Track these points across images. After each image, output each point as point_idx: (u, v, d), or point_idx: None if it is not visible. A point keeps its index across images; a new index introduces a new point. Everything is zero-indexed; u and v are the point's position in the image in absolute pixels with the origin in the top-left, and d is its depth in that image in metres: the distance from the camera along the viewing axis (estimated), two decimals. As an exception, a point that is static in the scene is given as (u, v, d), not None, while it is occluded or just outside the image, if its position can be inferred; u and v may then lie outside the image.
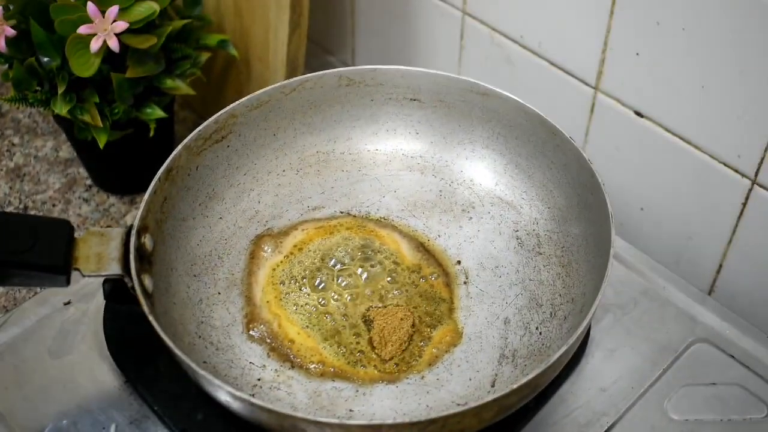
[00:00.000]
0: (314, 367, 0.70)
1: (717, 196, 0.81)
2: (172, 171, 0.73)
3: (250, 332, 0.72)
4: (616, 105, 0.84)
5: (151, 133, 0.92)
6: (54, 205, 1.03)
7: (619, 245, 0.83)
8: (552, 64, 0.87)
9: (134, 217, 0.69)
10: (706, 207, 0.83)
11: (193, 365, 0.60)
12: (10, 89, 0.93)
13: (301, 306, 0.74)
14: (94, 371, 0.74)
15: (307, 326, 0.72)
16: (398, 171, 0.83)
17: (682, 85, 0.78)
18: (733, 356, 0.75)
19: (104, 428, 0.70)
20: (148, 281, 0.67)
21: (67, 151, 1.09)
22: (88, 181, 1.05)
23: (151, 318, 0.62)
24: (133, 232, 0.67)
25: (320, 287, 0.75)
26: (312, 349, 0.71)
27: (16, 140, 1.11)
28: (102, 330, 0.75)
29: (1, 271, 0.65)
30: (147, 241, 0.69)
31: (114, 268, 0.66)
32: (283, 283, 0.75)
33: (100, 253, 0.67)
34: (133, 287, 0.65)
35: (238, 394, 0.59)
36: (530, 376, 0.59)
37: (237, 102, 0.78)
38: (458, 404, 0.66)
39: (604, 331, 0.76)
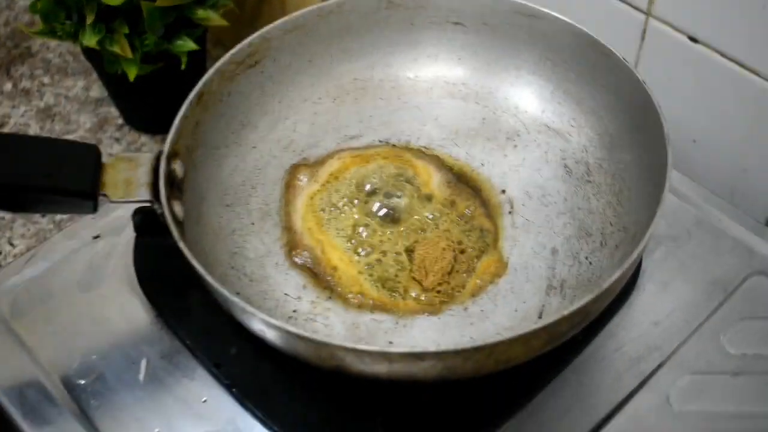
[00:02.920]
0: (353, 298, 0.67)
1: (774, 124, 0.77)
2: (203, 96, 0.70)
3: (294, 258, 0.69)
4: (669, 30, 0.80)
5: (183, 66, 0.90)
6: (85, 145, 1.01)
7: (672, 176, 0.78)
8: (601, -13, 0.83)
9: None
10: (763, 137, 0.79)
11: (226, 293, 0.57)
12: (39, 23, 0.91)
13: (342, 231, 0.71)
14: (125, 306, 0.72)
15: (350, 252, 0.69)
16: (440, 99, 0.80)
17: (739, 5, 0.73)
18: (792, 290, 0.71)
19: (135, 363, 0.68)
20: (178, 209, 0.64)
21: (97, 90, 1.07)
22: (120, 121, 1.03)
23: (182, 245, 0.59)
24: (163, 157, 0.64)
25: (359, 215, 0.72)
26: (353, 278, 0.68)
27: (46, 80, 1.10)
28: (132, 264, 0.73)
29: (28, 195, 0.62)
30: (177, 167, 0.66)
31: (143, 194, 0.63)
32: (323, 210, 0.72)
33: (128, 179, 0.64)
34: (162, 214, 0.62)
35: (273, 321, 0.56)
36: (582, 303, 0.56)
37: (271, 25, 0.75)
38: (503, 335, 0.63)
39: (657, 264, 0.73)
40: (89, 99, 1.07)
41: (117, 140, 1.02)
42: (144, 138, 1.01)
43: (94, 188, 0.63)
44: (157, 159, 0.65)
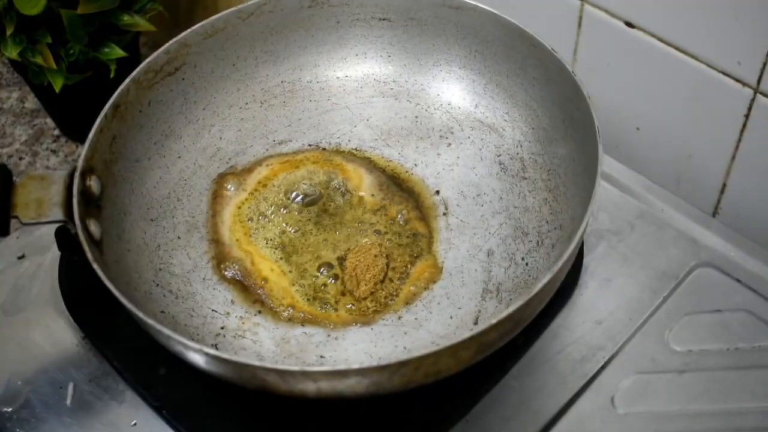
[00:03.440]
0: (284, 311, 0.64)
1: (717, 109, 0.75)
2: (120, 107, 0.67)
3: (223, 272, 0.67)
4: (605, 17, 0.78)
5: (112, 74, 0.87)
6: (21, 158, 0.98)
7: (613, 167, 0.77)
8: (533, -25, 0.81)
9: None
10: (706, 122, 0.77)
11: (142, 315, 0.55)
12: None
13: (272, 241, 0.68)
14: (51, 328, 0.69)
15: (280, 263, 0.67)
16: (370, 98, 0.77)
17: (675, -12, 0.72)
18: (739, 280, 0.69)
19: (62, 387, 0.66)
20: (94, 227, 0.62)
21: (33, 101, 1.04)
22: (56, 131, 1.00)
23: (95, 266, 0.57)
24: (77, 174, 0.62)
25: (288, 223, 0.69)
26: (284, 289, 0.65)
27: (-21, 92, 1.06)
28: (58, 284, 0.70)
29: (-69, 221, 0.59)
30: (93, 183, 0.63)
31: (56, 214, 0.61)
32: (251, 219, 0.70)
33: (40, 199, 0.61)
34: (77, 234, 0.59)
35: (190, 344, 0.53)
36: (510, 310, 0.53)
37: (189, 30, 0.72)
38: (438, 344, 0.61)
39: (599, 260, 0.70)
40: (24, 110, 1.04)
41: (53, 152, 0.99)
42: (82, 149, 0.98)
43: (4, 210, 0.60)
44: (71, 176, 0.62)
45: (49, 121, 1.01)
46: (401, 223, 0.69)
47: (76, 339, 0.68)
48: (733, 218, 0.79)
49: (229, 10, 0.73)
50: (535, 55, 0.70)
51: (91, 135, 0.64)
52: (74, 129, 0.99)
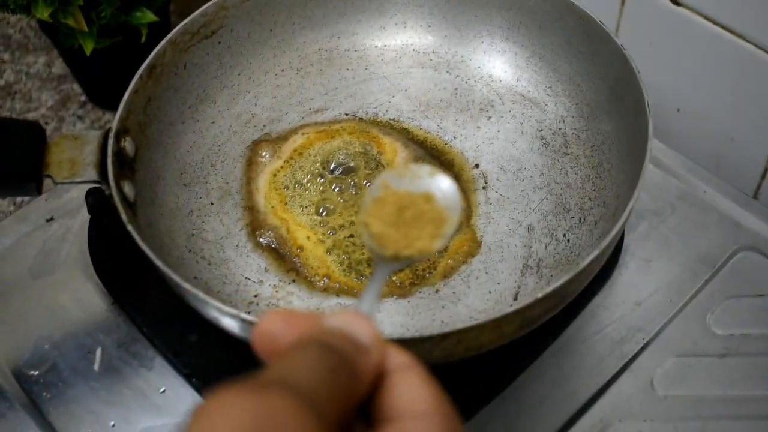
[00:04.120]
0: (318, 281, 0.63)
1: (763, 91, 0.73)
2: (155, 68, 0.66)
3: (258, 239, 0.65)
4: (650, -7, 0.76)
5: (143, 39, 0.86)
6: (47, 123, 0.97)
7: (655, 146, 0.75)
8: (578, -51, 0.79)
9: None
10: (750, 104, 0.75)
11: (177, 278, 0.53)
12: (-11, -6, 0.86)
13: (307, 209, 0.67)
14: (79, 292, 0.68)
15: (316, 231, 0.66)
16: (409, 68, 0.76)
17: (724, -35, 0.70)
18: (782, 265, 0.67)
19: (90, 352, 0.65)
20: (128, 189, 0.60)
21: (60, 67, 1.02)
22: (83, 98, 0.99)
23: (130, 227, 0.55)
24: (112, 134, 0.60)
25: (325, 193, 0.68)
26: (319, 258, 0.64)
27: (6, 56, 1.05)
28: (87, 248, 0.69)
29: (-36, 178, 0.58)
30: (127, 144, 0.62)
31: (89, 174, 0.59)
32: (287, 187, 0.68)
33: (73, 158, 0.60)
34: (111, 195, 0.58)
35: (226, 309, 0.52)
36: (557, 285, 0.52)
37: (227, -8, 0.70)
38: (476, 319, 0.59)
39: (639, 240, 0.69)
40: (51, 75, 1.02)
41: (80, 118, 0.97)
42: (108, 115, 0.97)
43: (37, 169, 0.59)
44: (105, 137, 0.61)
45: (76, 86, 1.00)
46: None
47: (105, 304, 0.67)
48: (775, 202, 0.77)
49: (268, -26, 0.71)
50: (582, 28, 0.68)
51: (126, 95, 0.63)
52: (101, 95, 0.98)
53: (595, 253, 0.53)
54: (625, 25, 0.80)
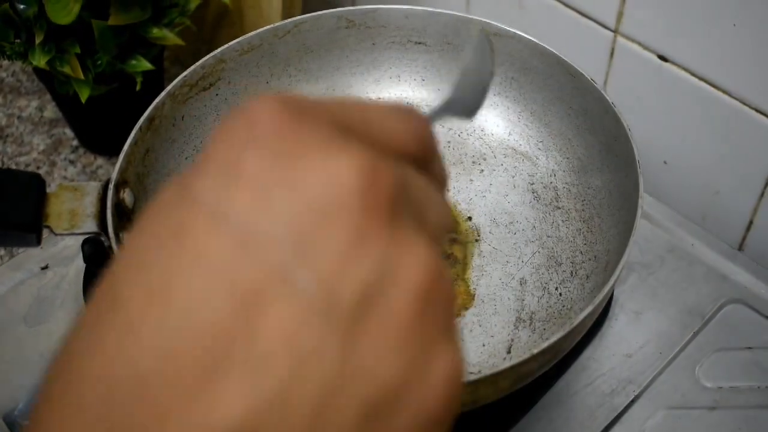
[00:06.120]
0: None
1: (748, 146, 0.75)
2: (154, 120, 0.67)
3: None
4: (638, 49, 0.78)
5: (138, 87, 0.87)
6: (38, 168, 0.98)
7: (644, 200, 0.76)
8: (566, 5, 0.80)
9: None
10: (735, 159, 0.77)
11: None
12: (-15, 41, 0.87)
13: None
14: (73, 340, 0.68)
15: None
16: (403, 122, 0.77)
17: (711, 23, 0.71)
18: (770, 318, 0.69)
19: (84, 402, 0.64)
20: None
21: (52, 111, 1.03)
22: (75, 142, 0.99)
23: (129, 280, 0.56)
24: (111, 186, 0.61)
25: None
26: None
27: (-2, 100, 1.06)
28: (82, 296, 0.69)
29: (-36, 228, 0.58)
30: (126, 196, 0.63)
31: (89, 226, 0.60)
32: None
33: (73, 210, 0.60)
34: (110, 246, 0.59)
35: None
36: (552, 340, 0.53)
37: (226, 45, 0.71)
38: (471, 372, 0.60)
39: (629, 293, 0.70)
40: (43, 120, 1.03)
41: (72, 162, 0.98)
42: (100, 160, 0.98)
43: (37, 220, 0.59)
44: (105, 188, 0.61)
45: (68, 131, 1.00)
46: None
47: (99, 353, 0.67)
48: (758, 254, 0.79)
49: (265, 28, 0.73)
50: (572, 84, 0.69)
51: (126, 147, 0.64)
52: (94, 141, 0.98)
53: (589, 309, 0.54)
54: (613, 80, 0.82)
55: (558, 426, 0.63)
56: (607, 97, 0.66)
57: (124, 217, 0.62)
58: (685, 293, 0.70)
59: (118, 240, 0.59)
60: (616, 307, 0.69)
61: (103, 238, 0.60)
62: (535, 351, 0.52)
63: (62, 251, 0.73)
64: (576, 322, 0.54)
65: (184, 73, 0.69)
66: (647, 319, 0.69)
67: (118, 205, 0.61)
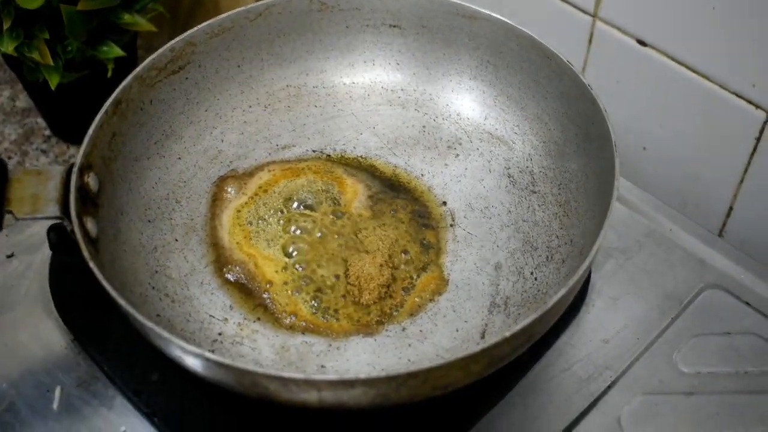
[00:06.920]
0: (285, 318, 0.62)
1: (728, 131, 0.74)
2: (121, 104, 0.65)
3: (226, 275, 0.65)
4: (616, 33, 0.77)
5: (109, 74, 0.85)
6: (10, 158, 0.96)
7: (621, 185, 0.75)
8: (545, -11, 0.79)
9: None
10: (715, 144, 0.76)
11: (139, 316, 0.52)
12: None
13: (273, 243, 0.67)
14: (39, 329, 0.67)
15: (283, 267, 0.65)
16: (377, 106, 0.75)
17: (689, 7, 0.70)
18: (748, 303, 0.68)
19: (49, 391, 0.63)
20: (91, 225, 0.60)
21: (24, 100, 1.02)
22: (47, 132, 0.98)
23: (92, 264, 0.55)
24: (75, 170, 0.60)
25: (288, 231, 0.67)
26: (288, 296, 0.63)
27: (-31, 90, 1.04)
28: (48, 284, 0.68)
29: (-77, 213, 0.57)
30: (91, 180, 0.61)
31: (51, 210, 0.58)
32: (250, 223, 0.68)
33: (36, 194, 0.59)
34: (73, 231, 0.57)
35: (190, 348, 0.51)
36: (524, 323, 0.52)
37: (195, 28, 0.70)
38: (444, 357, 0.59)
39: (606, 278, 0.69)
40: (15, 109, 1.01)
41: (44, 152, 0.96)
42: (73, 149, 0.96)
43: (-2, 204, 0.58)
44: (68, 172, 0.60)
45: (40, 120, 0.99)
46: (409, 233, 0.67)
47: (65, 341, 0.66)
48: (738, 240, 0.78)
49: (237, 10, 0.71)
50: (548, 67, 0.68)
51: (90, 130, 0.62)
52: (66, 129, 0.97)
53: (562, 291, 0.53)
54: (592, 64, 0.81)
55: (534, 411, 0.62)
56: (584, 80, 0.65)
57: (89, 201, 0.61)
58: (663, 279, 0.69)
59: (81, 225, 0.58)
60: (593, 293, 0.68)
61: (65, 223, 0.59)
62: (507, 334, 0.51)
63: (28, 239, 0.72)
64: (549, 304, 0.52)
65: (153, 56, 0.68)
66: (625, 305, 0.68)
67: (82, 189, 0.60)
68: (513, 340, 0.52)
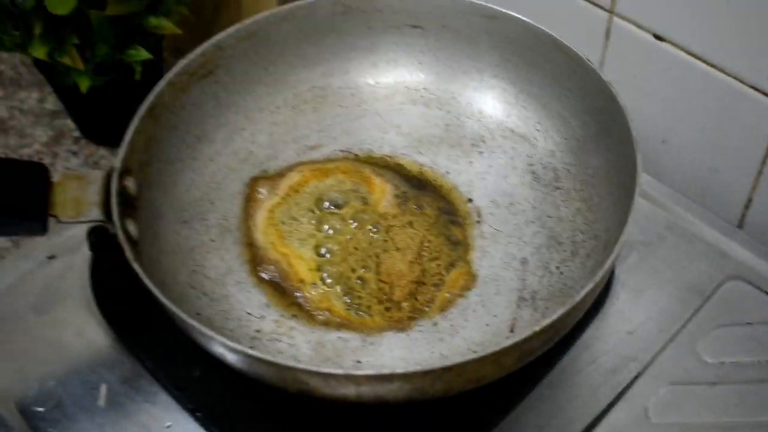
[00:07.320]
0: (319, 315, 0.64)
1: (745, 123, 0.76)
2: (155, 108, 0.67)
3: (260, 274, 0.67)
4: (633, 29, 0.78)
5: (137, 76, 0.87)
6: (41, 159, 0.98)
7: (643, 178, 0.77)
8: (563, -14, 0.81)
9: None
10: (733, 136, 0.77)
11: (183, 315, 0.55)
12: (-15, 34, 0.87)
13: (306, 243, 0.69)
14: (82, 328, 0.69)
15: (316, 266, 0.67)
16: (401, 105, 0.77)
17: (705, 1, 0.72)
18: (768, 293, 0.69)
19: (94, 389, 0.65)
20: (132, 227, 0.62)
21: (53, 102, 1.04)
22: (76, 133, 1.00)
23: (135, 266, 0.57)
24: (115, 174, 0.62)
25: (321, 230, 0.69)
26: (321, 293, 0.65)
27: (-1, 92, 1.06)
28: (89, 284, 0.70)
29: (-29, 219, 0.59)
30: (130, 183, 0.63)
31: (94, 214, 0.61)
32: (284, 223, 0.70)
33: (78, 198, 0.61)
34: (115, 234, 0.59)
35: (233, 345, 0.53)
36: (554, 317, 0.53)
37: (224, 33, 0.72)
38: (475, 351, 0.61)
39: (629, 271, 0.71)
40: (44, 111, 1.03)
41: (74, 153, 0.99)
42: (102, 151, 0.98)
43: (43, 209, 0.60)
44: (108, 176, 0.62)
45: (69, 122, 1.01)
46: (438, 229, 0.69)
47: (108, 340, 0.68)
48: (758, 231, 0.79)
49: (263, 14, 0.73)
50: (568, 65, 0.70)
51: (128, 135, 0.64)
52: (95, 131, 0.99)
53: (590, 286, 0.55)
54: (610, 60, 0.82)
55: (562, 404, 0.63)
56: (603, 77, 0.67)
57: (129, 204, 0.63)
58: (685, 271, 0.71)
59: (123, 227, 0.60)
60: (617, 286, 0.69)
61: (107, 226, 0.61)
62: (537, 328, 0.53)
63: (68, 241, 0.74)
64: (577, 299, 0.54)
65: (184, 61, 0.70)
66: (648, 297, 0.69)
67: (122, 192, 0.62)
68: (542, 334, 0.54)
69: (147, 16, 0.87)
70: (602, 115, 0.68)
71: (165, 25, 0.88)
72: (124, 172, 0.63)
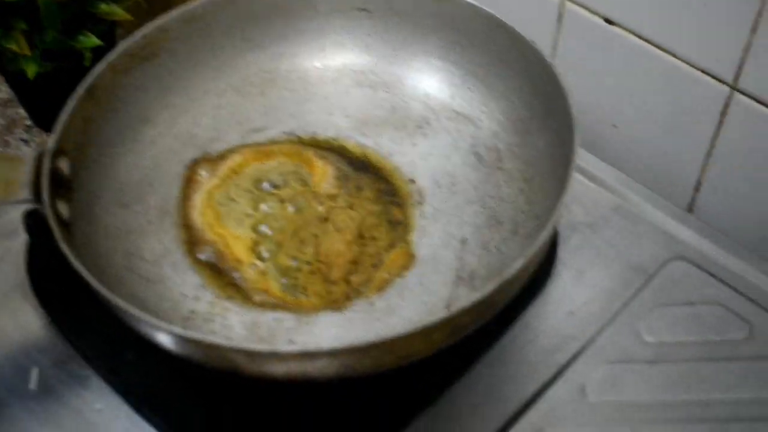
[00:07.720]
0: (256, 295, 0.64)
1: (694, 106, 0.75)
2: (94, 90, 0.67)
3: (198, 255, 0.66)
4: (584, 13, 0.78)
5: (87, 63, 0.86)
6: (-8, 148, 0.97)
7: (590, 161, 0.77)
8: (513, -30, 0.81)
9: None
10: (682, 119, 0.77)
11: (110, 296, 0.54)
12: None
13: (243, 224, 0.68)
14: (16, 311, 0.68)
15: (252, 246, 0.67)
16: (348, 88, 0.77)
17: (654, -15, 0.72)
18: (712, 274, 0.69)
19: (26, 372, 0.65)
20: (63, 208, 0.61)
21: (5, 92, 1.02)
22: (28, 122, 0.99)
23: (63, 246, 0.56)
24: (47, 154, 0.61)
25: (259, 210, 0.69)
26: (257, 274, 0.65)
27: (-48, 82, 1.05)
28: (25, 268, 0.69)
29: None
30: (64, 164, 0.63)
31: (23, 194, 0.60)
32: (222, 204, 0.69)
33: (8, 178, 0.60)
34: (46, 215, 0.59)
35: (158, 323, 0.53)
36: (484, 293, 0.53)
37: (167, 15, 0.71)
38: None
39: (573, 252, 0.70)
40: (-2, 100, 1.02)
41: (25, 142, 0.98)
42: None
43: (-28, 190, 0.59)
44: (40, 157, 0.61)
45: (21, 111, 1.00)
46: (377, 210, 0.69)
47: (42, 323, 0.67)
48: (708, 215, 0.79)
49: (208, -4, 0.73)
50: (514, 47, 0.69)
51: (63, 116, 0.64)
52: (46, 119, 0.97)
53: (521, 261, 0.54)
54: (562, 43, 0.82)
55: (499, 382, 0.63)
56: (546, 58, 0.66)
57: (61, 185, 0.62)
58: (629, 251, 0.70)
59: (53, 208, 0.59)
60: (559, 266, 0.69)
61: (38, 207, 0.60)
62: (467, 304, 0.52)
63: (5, 224, 0.73)
64: (509, 274, 0.54)
65: (125, 43, 0.69)
66: (591, 278, 0.69)
67: (54, 172, 0.61)
68: (473, 310, 0.54)
69: (97, 2, 0.86)
70: (546, 96, 0.68)
71: (116, 11, 0.87)
72: (58, 152, 0.62)
